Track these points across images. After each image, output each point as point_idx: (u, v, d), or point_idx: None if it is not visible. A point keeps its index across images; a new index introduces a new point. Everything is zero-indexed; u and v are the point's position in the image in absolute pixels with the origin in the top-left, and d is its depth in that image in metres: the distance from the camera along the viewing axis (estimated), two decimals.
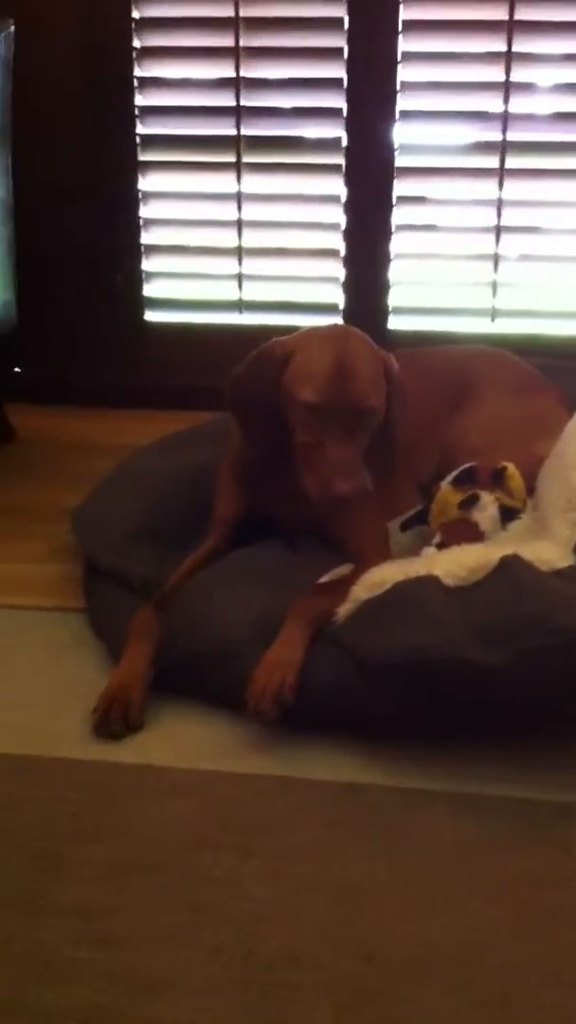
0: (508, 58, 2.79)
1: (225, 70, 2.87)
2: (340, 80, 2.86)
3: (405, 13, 2.79)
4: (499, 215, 2.94)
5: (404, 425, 2.03)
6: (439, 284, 3.05)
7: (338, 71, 2.85)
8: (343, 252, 3.00)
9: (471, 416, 2.25)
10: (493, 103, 2.84)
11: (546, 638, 1.61)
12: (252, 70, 2.87)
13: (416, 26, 2.81)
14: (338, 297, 3.04)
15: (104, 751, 1.72)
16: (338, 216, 2.98)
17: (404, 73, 2.84)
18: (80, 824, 1.56)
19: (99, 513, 2.17)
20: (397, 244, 2.99)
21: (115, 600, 2.00)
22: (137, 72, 2.91)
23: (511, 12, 2.75)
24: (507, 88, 2.81)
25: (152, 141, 2.98)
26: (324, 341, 1.96)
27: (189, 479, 2.22)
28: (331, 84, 2.87)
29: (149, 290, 3.11)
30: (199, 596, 1.91)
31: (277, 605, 1.83)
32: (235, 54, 2.84)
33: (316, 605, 1.84)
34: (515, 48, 2.78)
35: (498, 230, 2.95)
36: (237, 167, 2.95)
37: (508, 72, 2.80)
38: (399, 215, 2.96)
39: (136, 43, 2.87)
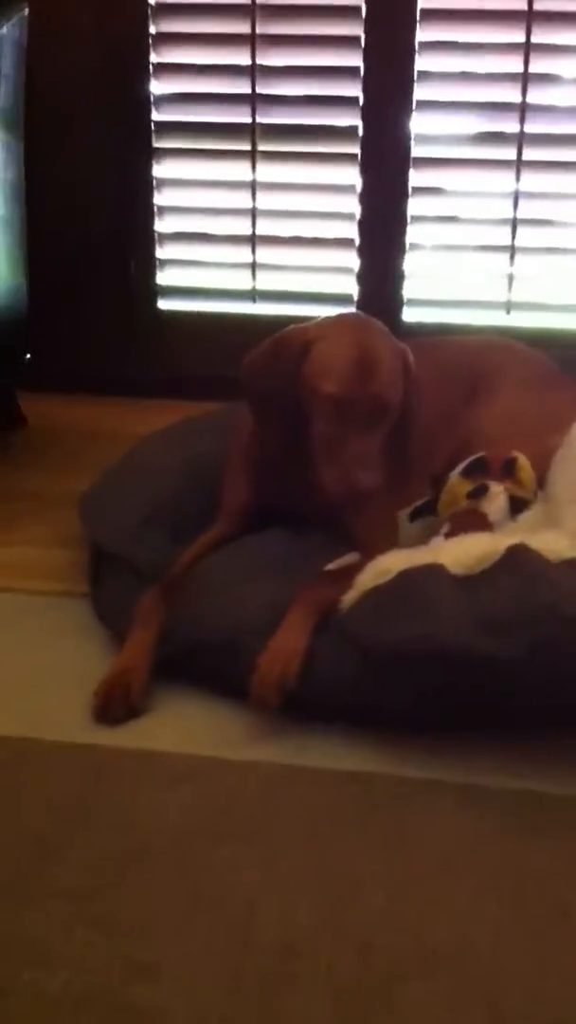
0: (527, 49, 2.75)
1: (241, 57, 2.85)
2: (357, 69, 2.83)
3: (424, 2, 2.76)
4: (515, 207, 2.91)
5: (419, 419, 2.00)
6: (454, 276, 3.01)
7: (355, 60, 2.83)
8: (358, 242, 2.97)
9: (487, 408, 2.22)
10: (511, 94, 2.81)
11: (555, 628, 1.59)
12: (268, 58, 2.85)
13: (434, 15, 2.78)
14: (352, 287, 3.02)
15: (105, 736, 1.71)
16: (353, 206, 2.95)
17: (422, 63, 2.81)
18: (79, 809, 1.55)
19: (107, 499, 2.15)
20: (413, 235, 2.96)
21: (120, 585, 1.98)
22: (153, 58, 2.89)
23: (530, 2, 2.72)
24: (525, 79, 2.78)
25: (167, 128, 2.96)
26: (345, 330, 1.94)
27: (198, 469, 2.19)
28: (348, 73, 2.84)
29: (162, 278, 3.08)
30: (205, 583, 1.89)
31: (283, 593, 1.81)
32: (251, 41, 2.82)
33: (321, 593, 1.82)
34: (534, 39, 2.75)
35: (514, 222, 2.92)
36: (252, 155, 2.93)
37: (527, 63, 2.77)
38: (415, 205, 2.93)
39: (152, 29, 2.85)
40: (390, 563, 1.79)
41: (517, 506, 2.00)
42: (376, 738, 1.70)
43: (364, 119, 2.87)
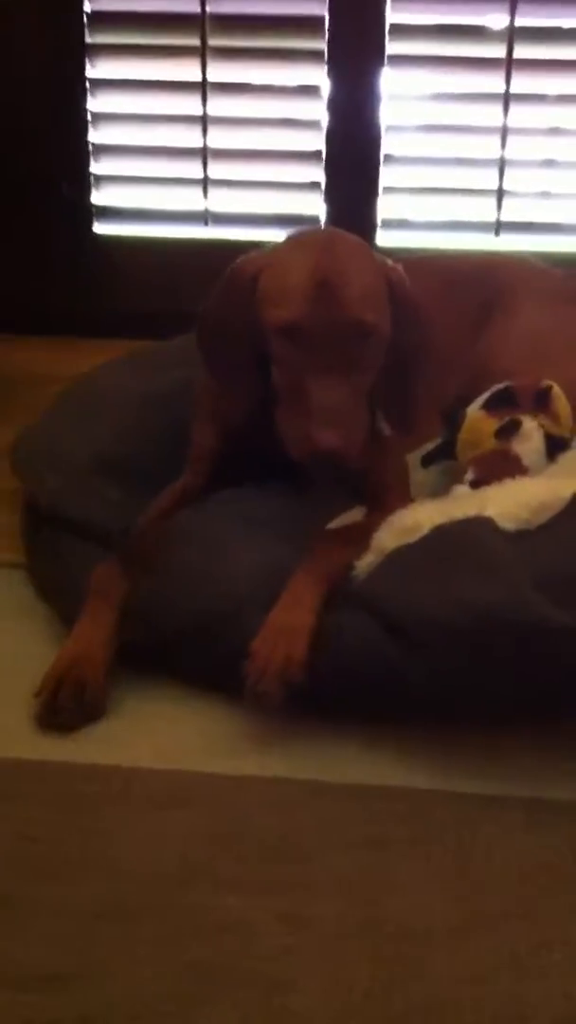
0: None
1: None
2: None
3: None
4: (506, 112, 2.54)
5: (423, 352, 1.63)
6: (437, 193, 2.66)
7: None
8: (325, 154, 2.61)
9: (504, 330, 1.91)
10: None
11: None
12: None
13: None
14: (319, 207, 2.66)
15: (58, 749, 1.35)
16: (319, 112, 2.59)
17: None
18: (32, 851, 1.18)
19: (48, 443, 1.79)
20: (388, 145, 2.60)
21: (67, 551, 1.63)
22: None
23: None
24: None
25: (103, 20, 2.56)
26: (303, 249, 1.58)
27: (162, 401, 1.83)
28: None
29: (99, 198, 2.71)
30: (180, 545, 1.52)
31: (282, 558, 1.47)
32: None
33: (329, 557, 1.48)
34: None
35: (504, 130, 2.56)
36: (202, 52, 2.55)
37: None
38: (391, 111, 2.57)
39: None
40: (418, 517, 1.44)
41: (555, 445, 1.67)
42: (413, 740, 1.36)
43: (331, 9, 2.50)
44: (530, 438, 1.65)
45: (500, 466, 1.62)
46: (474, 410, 1.73)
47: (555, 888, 1.15)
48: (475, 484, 1.60)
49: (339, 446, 1.45)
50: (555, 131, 2.60)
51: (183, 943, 1.06)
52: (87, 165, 2.66)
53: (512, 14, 2.47)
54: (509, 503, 1.40)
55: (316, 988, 1.02)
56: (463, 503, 1.45)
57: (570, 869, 1.17)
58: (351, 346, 1.50)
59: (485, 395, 1.73)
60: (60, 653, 1.45)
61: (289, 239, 1.64)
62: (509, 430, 1.66)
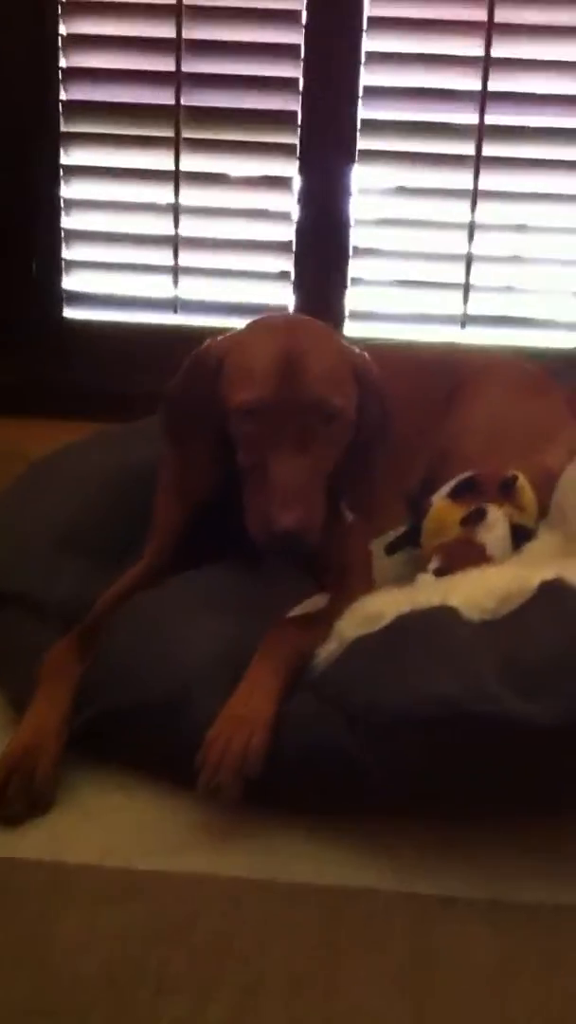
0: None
1: (165, 30, 2.48)
2: (297, 47, 2.48)
3: None
4: (473, 209, 2.57)
5: (386, 437, 1.62)
6: (405, 285, 2.66)
7: (295, 37, 2.47)
8: (295, 246, 2.61)
9: (467, 417, 1.90)
10: (471, 81, 2.48)
11: None
12: (195, 31, 2.49)
13: None
14: (288, 298, 2.65)
15: (2, 843, 1.25)
16: (290, 204, 2.60)
17: (370, 43, 2.47)
18: None
19: (6, 518, 1.72)
20: (357, 238, 2.61)
21: (19, 633, 1.56)
22: (62, 29, 2.50)
23: None
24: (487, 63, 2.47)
25: (77, 108, 2.57)
26: (269, 332, 1.57)
27: (123, 479, 1.78)
28: (286, 51, 2.49)
29: (69, 283, 2.69)
30: (135, 627, 1.47)
31: (237, 642, 1.41)
32: (178, 11, 2.46)
33: (291, 643, 1.43)
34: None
35: (471, 227, 2.58)
36: (176, 142, 2.56)
37: (488, 46, 2.46)
38: (360, 206, 2.59)
39: None
40: (379, 606, 1.40)
41: (520, 535, 1.65)
42: (371, 839, 1.29)
43: (304, 104, 2.52)
44: (495, 527, 1.63)
45: (465, 554, 1.59)
46: (439, 498, 1.71)
47: (516, 994, 1.09)
48: (439, 572, 1.57)
49: (297, 527, 1.42)
50: (521, 227, 2.63)
51: None
52: (59, 250, 2.65)
53: (481, 113, 2.52)
54: (474, 592, 1.36)
55: None
56: (427, 591, 1.41)
57: (532, 974, 1.11)
58: (314, 427, 1.48)
59: (451, 483, 1.71)
60: (11, 742, 1.38)
61: (254, 323, 1.62)
62: (474, 519, 1.63)
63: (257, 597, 1.54)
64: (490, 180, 2.56)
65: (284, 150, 2.57)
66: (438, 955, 1.13)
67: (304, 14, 2.46)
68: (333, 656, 1.38)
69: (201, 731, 1.31)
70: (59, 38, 2.51)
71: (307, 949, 1.12)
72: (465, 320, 2.65)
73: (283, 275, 2.64)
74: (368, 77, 2.51)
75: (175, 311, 2.69)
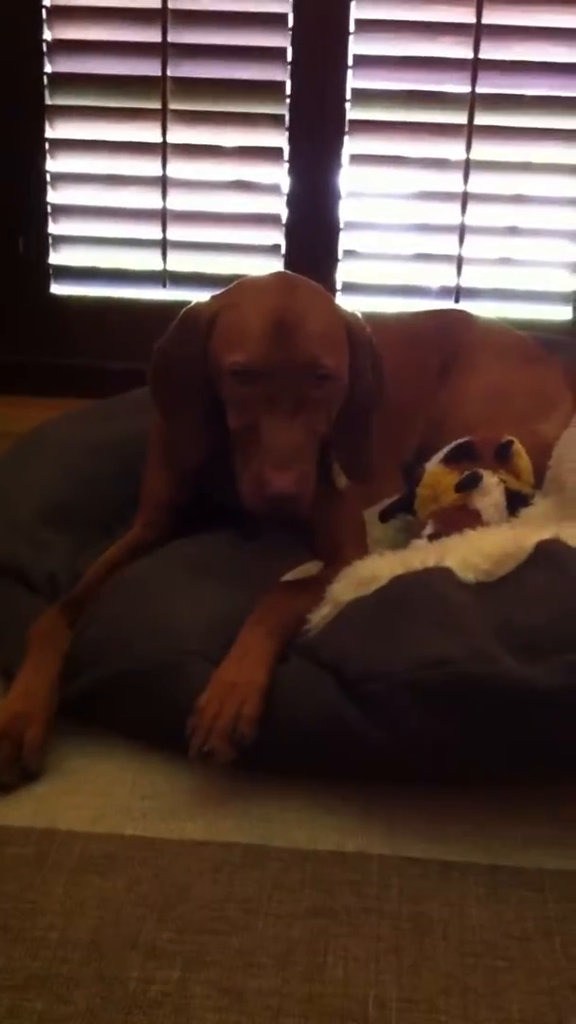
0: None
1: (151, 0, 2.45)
2: (285, 16, 2.44)
3: None
4: (466, 179, 2.54)
5: (381, 400, 1.59)
6: (395, 259, 2.63)
7: (283, 6, 2.44)
8: (285, 218, 2.58)
9: (464, 385, 1.87)
10: (462, 50, 2.45)
11: None
12: (182, 1, 2.45)
13: None
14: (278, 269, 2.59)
15: None
16: (280, 176, 2.56)
17: (359, 11, 2.44)
18: None
19: None
20: (347, 211, 2.58)
21: (9, 604, 1.53)
22: (46, 1, 2.47)
23: None
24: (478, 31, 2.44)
25: (62, 81, 2.53)
26: (261, 291, 1.52)
27: (114, 451, 1.75)
28: (274, 20, 2.46)
29: (56, 258, 2.66)
30: (124, 595, 1.44)
31: (231, 608, 1.38)
32: None
33: (283, 608, 1.40)
34: None
35: (464, 197, 2.56)
36: (163, 114, 2.53)
37: (480, 13, 2.43)
38: (351, 177, 2.56)
39: None
40: (375, 568, 1.37)
41: (516, 500, 1.62)
42: (366, 803, 1.26)
43: (293, 74, 2.49)
44: (490, 492, 1.60)
45: (459, 520, 1.57)
46: (434, 464, 1.68)
47: (516, 961, 1.06)
48: (434, 538, 1.54)
49: (292, 490, 1.39)
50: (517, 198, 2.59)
51: (114, 1018, 0.97)
52: (45, 225, 2.62)
53: (473, 82, 2.49)
54: (469, 553, 1.33)
55: None
56: (422, 554, 1.38)
57: (531, 941, 1.09)
58: (307, 388, 1.45)
59: (445, 449, 1.69)
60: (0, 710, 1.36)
61: (244, 282, 1.57)
62: (469, 484, 1.61)
63: (249, 564, 1.51)
64: (483, 150, 2.53)
65: (273, 121, 2.54)
66: (434, 921, 1.10)
67: None
68: (327, 620, 1.35)
69: (193, 698, 1.28)
70: (43, 9, 2.49)
71: (300, 915, 1.10)
72: (459, 292, 2.63)
73: (274, 248, 2.61)
74: (358, 46, 2.47)
75: (164, 285, 2.66)
